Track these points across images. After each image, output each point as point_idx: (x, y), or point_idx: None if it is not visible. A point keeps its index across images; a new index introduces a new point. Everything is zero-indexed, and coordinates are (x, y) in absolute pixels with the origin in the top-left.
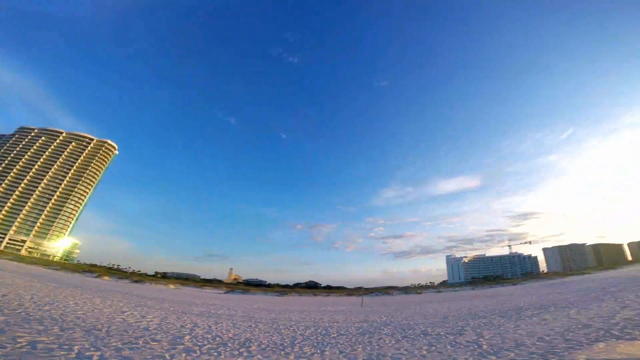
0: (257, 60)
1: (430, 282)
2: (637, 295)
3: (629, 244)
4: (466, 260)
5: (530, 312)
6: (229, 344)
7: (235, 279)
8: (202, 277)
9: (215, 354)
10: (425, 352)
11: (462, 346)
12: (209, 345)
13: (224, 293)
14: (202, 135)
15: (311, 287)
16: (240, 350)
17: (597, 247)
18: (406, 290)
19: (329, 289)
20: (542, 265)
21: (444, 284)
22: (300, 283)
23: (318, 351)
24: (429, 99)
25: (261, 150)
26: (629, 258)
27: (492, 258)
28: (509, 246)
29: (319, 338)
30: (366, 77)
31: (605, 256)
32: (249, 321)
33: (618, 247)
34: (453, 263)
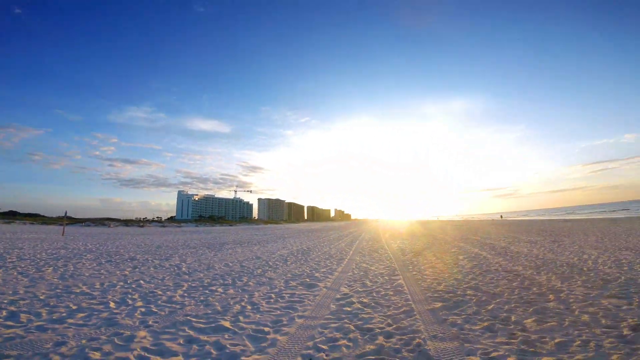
0: None
1: (157, 217)
2: (297, 241)
3: (307, 207)
4: (197, 199)
5: (230, 246)
6: None
7: None
8: None
9: None
10: (127, 273)
11: (164, 268)
12: None
13: None
14: None
15: None
16: None
17: (290, 205)
18: (127, 222)
19: (12, 216)
20: (255, 212)
21: (171, 219)
22: None
23: None
24: (230, 40)
25: None
26: (305, 217)
27: (220, 200)
28: (235, 191)
29: None
30: None
31: (294, 212)
32: None
33: (301, 208)
34: (184, 199)
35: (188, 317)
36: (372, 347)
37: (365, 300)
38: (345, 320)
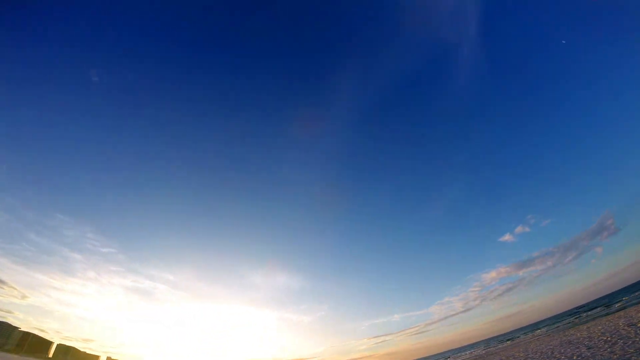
0: None
1: None
2: None
3: (59, 345)
4: None
5: None
6: None
7: None
8: None
9: None
10: None
11: None
12: None
13: None
14: None
15: None
16: None
17: (27, 335)
18: None
19: None
20: None
21: None
22: None
23: None
24: None
25: None
26: (50, 355)
27: None
28: None
29: None
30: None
31: (32, 345)
32: None
33: (47, 343)
34: None
35: None
36: None
37: None
38: None
